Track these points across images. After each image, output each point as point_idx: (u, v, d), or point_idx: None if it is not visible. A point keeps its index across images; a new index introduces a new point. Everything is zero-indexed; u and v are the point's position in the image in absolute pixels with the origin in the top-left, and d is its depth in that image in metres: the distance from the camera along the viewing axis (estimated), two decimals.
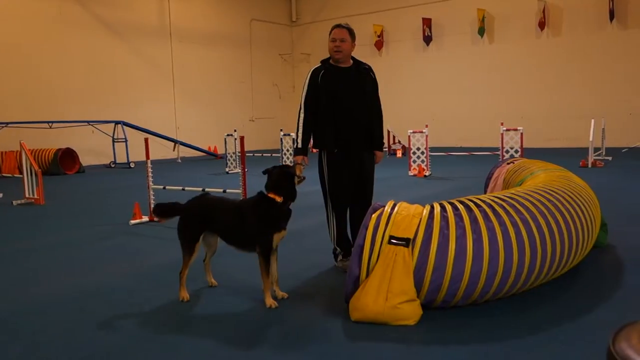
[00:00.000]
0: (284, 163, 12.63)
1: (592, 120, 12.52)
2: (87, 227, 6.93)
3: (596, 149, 12.81)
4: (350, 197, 4.70)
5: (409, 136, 11.91)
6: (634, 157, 13.90)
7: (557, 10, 18.28)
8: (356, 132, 4.61)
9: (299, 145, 4.60)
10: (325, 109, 4.58)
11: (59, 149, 14.17)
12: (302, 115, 4.63)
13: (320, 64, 4.70)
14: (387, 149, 17.35)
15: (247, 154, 7.54)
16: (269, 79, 23.57)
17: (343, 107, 4.57)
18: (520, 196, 3.84)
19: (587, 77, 17.86)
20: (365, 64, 4.77)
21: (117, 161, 16.22)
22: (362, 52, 21.26)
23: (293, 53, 24.49)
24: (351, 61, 4.68)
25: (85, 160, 15.75)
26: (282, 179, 3.84)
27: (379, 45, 21.79)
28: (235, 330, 3.35)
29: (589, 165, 11.86)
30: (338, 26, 4.60)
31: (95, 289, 4.31)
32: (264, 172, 3.96)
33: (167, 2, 19.52)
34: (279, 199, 3.78)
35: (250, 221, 3.77)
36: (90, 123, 16.03)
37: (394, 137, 17.40)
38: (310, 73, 4.66)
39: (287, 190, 3.82)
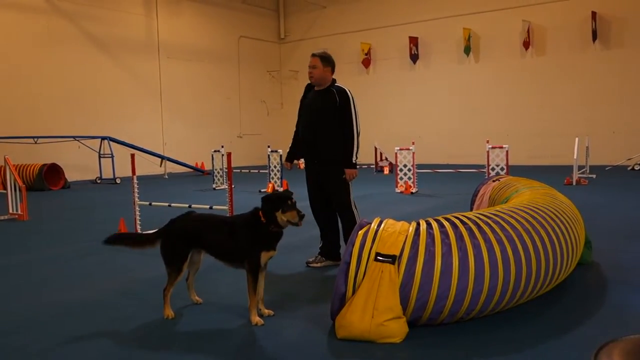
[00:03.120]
0: (271, 181, 12.61)
1: (577, 139, 12.68)
2: (71, 243, 6.85)
3: (580, 167, 12.95)
4: (320, 203, 5.38)
5: (396, 153, 11.97)
6: (618, 175, 14.07)
7: (541, 31, 18.59)
8: (309, 147, 5.30)
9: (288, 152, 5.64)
10: (297, 125, 5.48)
11: (44, 165, 14.03)
12: (295, 129, 5.55)
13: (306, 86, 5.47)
14: (374, 166, 17.42)
15: (234, 170, 7.52)
16: (257, 96, 23.64)
17: (302, 124, 5.39)
18: (505, 213, 3.87)
19: (571, 96, 18.12)
20: (337, 87, 5.25)
21: (103, 177, 16.10)
22: (350, 69, 21.50)
23: (281, 70, 24.62)
24: (328, 84, 5.24)
25: (71, 175, 15.60)
26: (270, 208, 3.74)
27: (366, 63, 21.98)
28: (220, 348, 3.32)
29: (574, 183, 11.98)
30: (312, 55, 5.25)
31: (77, 305, 4.26)
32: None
33: (156, 18, 19.57)
34: (264, 220, 3.75)
35: (239, 237, 3.76)
36: (76, 138, 15.93)
37: (381, 154, 17.47)
38: None
39: (272, 219, 3.75)
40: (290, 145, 5.61)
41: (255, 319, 3.70)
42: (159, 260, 3.95)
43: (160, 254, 3.95)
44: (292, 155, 5.60)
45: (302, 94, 5.55)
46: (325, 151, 5.19)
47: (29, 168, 13.96)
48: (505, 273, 3.44)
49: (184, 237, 3.89)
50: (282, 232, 3.85)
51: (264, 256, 3.76)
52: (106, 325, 3.77)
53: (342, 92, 5.16)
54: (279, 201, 3.75)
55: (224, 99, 22.15)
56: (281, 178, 12.39)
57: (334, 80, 5.28)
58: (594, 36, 17.46)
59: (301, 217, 3.77)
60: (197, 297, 4.20)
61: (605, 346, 1.45)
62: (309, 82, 5.35)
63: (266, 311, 3.88)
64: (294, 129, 5.59)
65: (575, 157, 12.21)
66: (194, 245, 3.92)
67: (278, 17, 24.52)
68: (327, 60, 5.20)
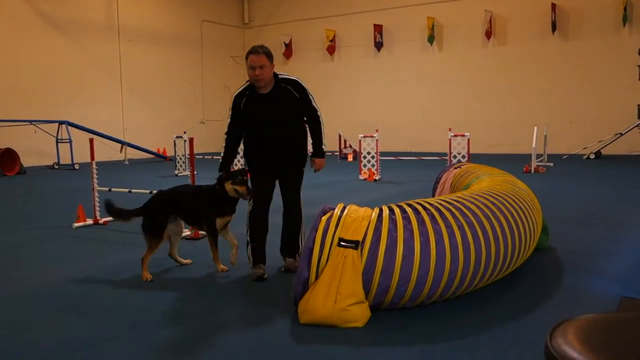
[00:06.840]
0: (234, 168, 12.50)
1: (535, 127, 12.96)
2: (26, 230, 6.66)
3: (538, 155, 13.26)
4: (268, 208, 4.68)
5: (360, 140, 12.03)
6: (574, 164, 14.47)
7: (503, 21, 18.88)
8: (282, 150, 4.59)
9: (221, 161, 4.73)
10: (250, 134, 4.64)
11: None
12: (226, 137, 4.74)
13: (242, 89, 4.64)
14: (338, 153, 17.46)
15: (196, 156, 7.43)
16: (220, 81, 23.33)
17: (262, 132, 4.56)
18: (466, 199, 3.93)
19: (531, 85, 18.50)
20: (287, 80, 4.53)
21: (61, 162, 15.67)
22: (315, 56, 21.42)
23: (245, 55, 24.32)
24: (273, 82, 4.50)
25: (27, 161, 15.14)
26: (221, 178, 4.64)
27: (331, 50, 21.92)
28: (179, 333, 3.29)
29: (532, 171, 12.27)
30: (254, 52, 4.41)
31: (33, 293, 4.15)
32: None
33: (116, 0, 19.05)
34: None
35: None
36: (33, 122, 15.43)
37: (345, 141, 17.52)
38: (233, 98, 4.65)
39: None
40: (225, 155, 4.78)
41: (220, 267, 4.59)
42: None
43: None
44: (228, 166, 4.78)
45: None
46: (301, 149, 4.69)
47: None
48: (466, 258, 3.51)
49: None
50: (236, 199, 4.50)
51: (219, 221, 4.51)
52: (63, 312, 3.69)
53: (297, 84, 4.54)
54: (232, 175, 4.53)
55: (186, 84, 21.78)
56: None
57: (275, 75, 4.53)
58: (554, 28, 17.84)
59: (249, 191, 4.45)
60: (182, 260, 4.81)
61: (559, 325, 1.50)
62: (245, 87, 4.60)
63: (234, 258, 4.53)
64: (227, 137, 4.80)
65: (533, 145, 12.49)
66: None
67: (242, 2, 24.18)
68: (272, 56, 4.48)
